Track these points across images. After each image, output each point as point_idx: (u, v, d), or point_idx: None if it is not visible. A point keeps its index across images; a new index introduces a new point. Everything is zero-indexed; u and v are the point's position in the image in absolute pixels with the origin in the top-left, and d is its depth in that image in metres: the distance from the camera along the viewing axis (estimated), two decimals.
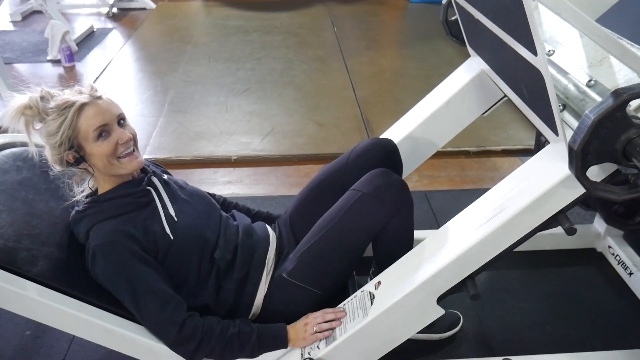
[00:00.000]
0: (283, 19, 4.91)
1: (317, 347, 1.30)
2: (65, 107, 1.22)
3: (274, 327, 1.33)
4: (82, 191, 1.34)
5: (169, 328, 1.23)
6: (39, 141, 1.29)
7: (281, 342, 1.32)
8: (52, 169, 1.30)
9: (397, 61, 4.07)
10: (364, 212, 1.30)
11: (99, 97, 1.25)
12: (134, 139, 1.29)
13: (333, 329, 1.31)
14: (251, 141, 2.81)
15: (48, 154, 1.28)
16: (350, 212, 1.31)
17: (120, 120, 1.28)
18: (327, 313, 1.33)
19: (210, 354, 1.26)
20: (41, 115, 1.23)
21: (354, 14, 5.11)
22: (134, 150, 1.29)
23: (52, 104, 1.23)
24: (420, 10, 5.22)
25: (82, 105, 1.22)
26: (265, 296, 1.37)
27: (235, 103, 3.25)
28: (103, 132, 1.23)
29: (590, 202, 1.80)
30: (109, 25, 4.81)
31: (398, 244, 1.38)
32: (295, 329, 1.33)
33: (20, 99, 1.24)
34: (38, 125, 1.25)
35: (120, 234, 1.22)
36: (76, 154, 1.25)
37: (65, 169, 1.30)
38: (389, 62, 4.01)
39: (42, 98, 1.24)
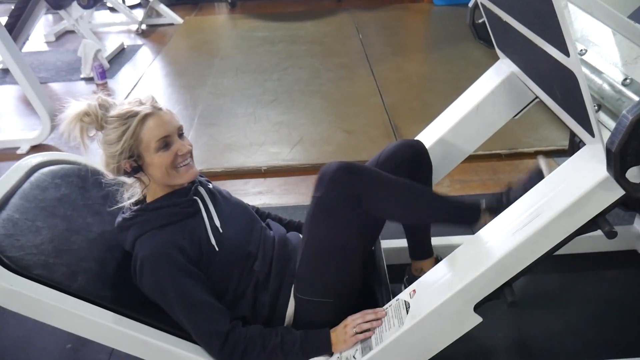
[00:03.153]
0: (308, 28, 4.94)
1: (354, 357, 1.29)
2: (129, 116, 1.24)
3: (316, 332, 1.31)
4: (129, 198, 1.35)
5: (214, 340, 1.24)
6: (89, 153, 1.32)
7: (325, 347, 1.30)
8: (103, 177, 1.33)
9: (424, 66, 4.05)
10: (321, 212, 1.28)
11: (160, 109, 1.28)
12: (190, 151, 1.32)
13: (374, 328, 1.29)
14: (280, 151, 2.83)
15: (102, 161, 1.30)
16: (313, 218, 1.29)
17: (180, 132, 1.31)
18: (367, 313, 1.32)
19: None
20: (99, 123, 1.26)
21: (378, 20, 5.11)
22: (189, 162, 1.31)
23: (114, 112, 1.25)
24: (445, 13, 5.19)
25: (146, 116, 1.25)
26: (295, 309, 1.37)
27: (263, 114, 3.27)
28: (165, 143, 1.26)
29: (630, 203, 1.75)
30: (139, 41, 4.92)
31: (393, 206, 1.34)
32: (336, 333, 1.31)
33: (78, 105, 1.26)
34: (92, 133, 1.27)
35: (167, 245, 1.24)
36: (134, 163, 1.27)
37: (117, 177, 1.32)
38: (416, 67, 3.99)
39: (100, 106, 1.27)
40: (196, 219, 1.32)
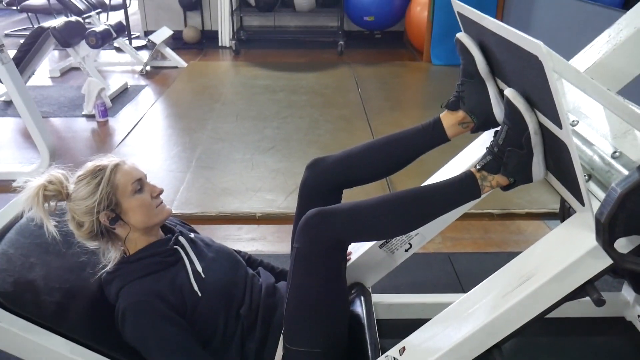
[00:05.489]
0: (309, 79, 5.06)
1: None
2: (100, 169, 1.30)
3: None
4: (110, 258, 1.36)
5: None
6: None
7: None
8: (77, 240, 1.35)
9: (420, 122, 4.12)
10: (302, 263, 1.27)
11: (123, 161, 1.35)
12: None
13: None
14: (276, 199, 2.85)
15: (75, 225, 1.32)
16: (295, 268, 1.28)
17: (145, 179, 1.38)
18: None
19: None
20: (63, 191, 1.29)
21: (377, 75, 5.24)
22: (162, 201, 1.38)
23: (80, 172, 1.31)
24: (443, 73, 5.33)
25: (117, 165, 1.31)
26: (283, 357, 1.36)
27: (261, 160, 3.32)
28: (139, 185, 1.32)
29: (619, 270, 1.77)
30: (142, 82, 5.00)
31: (384, 227, 1.31)
32: None
33: (36, 180, 1.29)
34: (53, 203, 1.30)
35: (149, 294, 1.25)
36: (112, 213, 1.30)
37: (95, 240, 1.34)
38: (413, 122, 4.01)
39: (62, 175, 1.32)
40: (178, 267, 1.34)
